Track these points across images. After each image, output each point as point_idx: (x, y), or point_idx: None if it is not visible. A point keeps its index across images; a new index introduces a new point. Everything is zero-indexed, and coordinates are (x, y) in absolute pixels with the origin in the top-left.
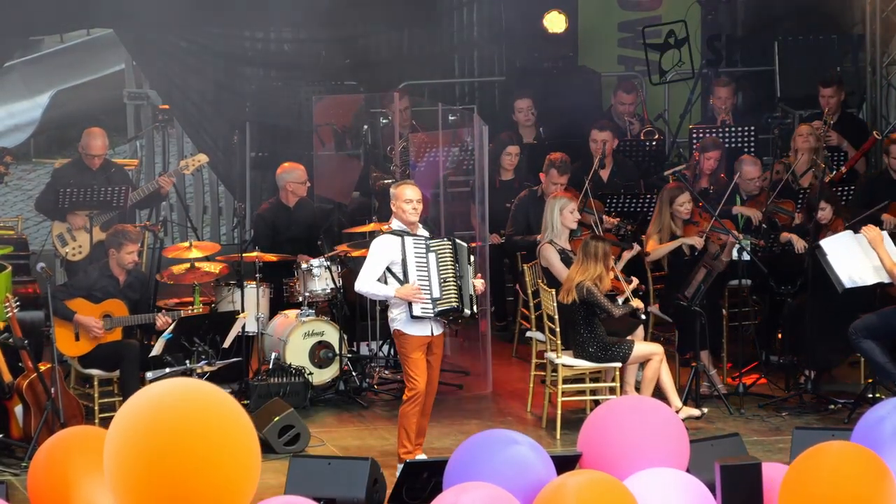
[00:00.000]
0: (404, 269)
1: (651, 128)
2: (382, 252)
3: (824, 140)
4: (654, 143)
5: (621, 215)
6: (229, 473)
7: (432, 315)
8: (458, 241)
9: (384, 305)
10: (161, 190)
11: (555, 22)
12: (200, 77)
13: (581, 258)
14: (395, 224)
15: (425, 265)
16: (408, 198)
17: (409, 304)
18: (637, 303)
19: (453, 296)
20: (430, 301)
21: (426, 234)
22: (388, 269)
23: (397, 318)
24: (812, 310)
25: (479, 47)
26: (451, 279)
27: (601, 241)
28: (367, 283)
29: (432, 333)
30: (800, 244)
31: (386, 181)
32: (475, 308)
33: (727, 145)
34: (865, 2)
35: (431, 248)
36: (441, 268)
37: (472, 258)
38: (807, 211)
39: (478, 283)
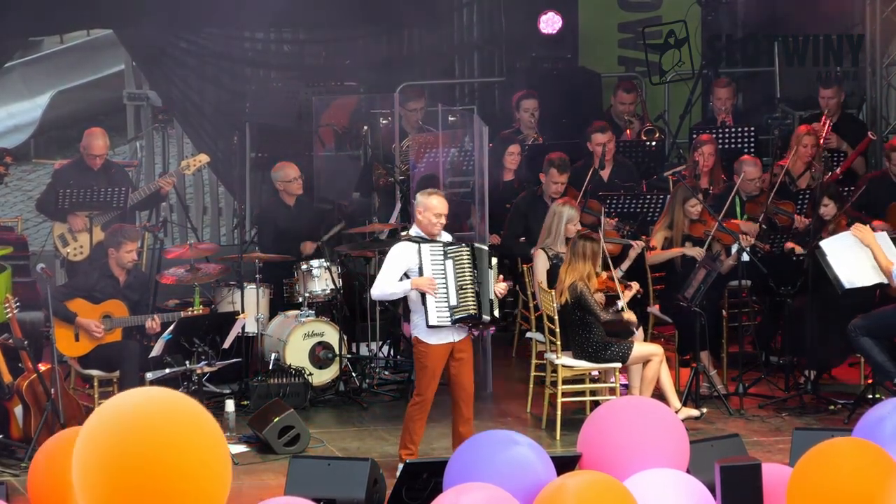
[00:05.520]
0: (420, 276)
1: (651, 126)
2: (399, 259)
3: (824, 142)
4: (654, 142)
5: (621, 216)
6: (199, 485)
7: (449, 323)
8: (477, 245)
9: (384, 306)
10: (161, 191)
11: (549, 23)
12: (200, 78)
13: (569, 258)
14: (414, 230)
15: (442, 272)
16: (439, 212)
17: (426, 312)
18: (629, 315)
19: (471, 303)
20: (447, 308)
21: (447, 238)
22: (406, 275)
23: (418, 325)
24: (812, 310)
25: (479, 48)
26: (469, 286)
27: (589, 241)
28: (380, 287)
29: (454, 341)
30: (800, 250)
31: (389, 179)
32: (496, 312)
33: (727, 146)
34: (865, 2)
35: (449, 255)
36: (458, 275)
37: (493, 261)
38: (811, 207)
39: (499, 287)
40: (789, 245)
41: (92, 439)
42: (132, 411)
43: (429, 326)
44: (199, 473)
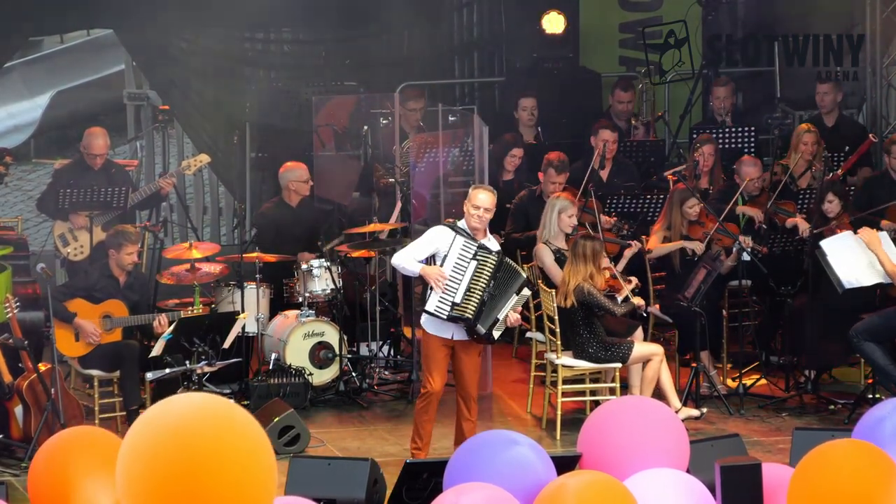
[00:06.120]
0: (443, 264)
1: (655, 139)
2: (432, 238)
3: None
4: (652, 156)
5: (621, 216)
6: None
7: (445, 317)
8: (511, 263)
9: (384, 306)
10: (161, 191)
11: (553, 22)
12: (200, 77)
13: (571, 259)
14: (461, 223)
15: (463, 269)
16: (476, 203)
17: (430, 297)
18: (638, 300)
19: (471, 308)
20: (449, 303)
21: (492, 245)
22: (434, 258)
23: (424, 315)
24: (812, 310)
25: (479, 48)
26: (478, 292)
27: (590, 241)
28: (401, 258)
29: (452, 338)
30: (804, 225)
31: (389, 180)
32: (495, 333)
33: (727, 146)
34: (865, 2)
35: (476, 257)
36: (474, 278)
37: (524, 291)
38: (816, 203)
39: (513, 316)
40: (792, 221)
41: (137, 446)
42: (178, 417)
43: (424, 311)
44: (244, 481)
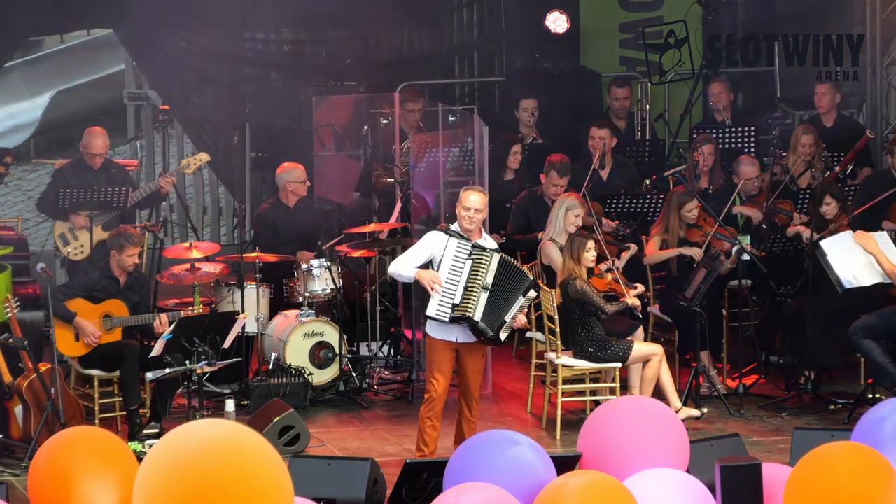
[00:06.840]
0: (439, 269)
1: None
2: (427, 244)
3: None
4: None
5: (621, 216)
6: None
7: (447, 320)
8: (517, 265)
9: (384, 306)
10: (161, 190)
11: (557, 22)
12: (200, 77)
13: (563, 257)
14: (454, 225)
15: (459, 270)
16: (467, 205)
17: (430, 302)
18: (633, 300)
19: (471, 306)
20: (449, 305)
21: (488, 244)
22: (431, 263)
23: (427, 320)
24: (812, 310)
25: (480, 48)
26: (476, 290)
27: (576, 237)
28: (396, 265)
29: (456, 340)
30: (807, 233)
31: (388, 180)
32: (502, 335)
33: (727, 146)
34: (865, 2)
35: (472, 256)
36: (471, 277)
37: (531, 293)
38: (813, 205)
39: (520, 319)
40: (793, 229)
41: (154, 477)
42: (196, 445)
43: (425, 316)
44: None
